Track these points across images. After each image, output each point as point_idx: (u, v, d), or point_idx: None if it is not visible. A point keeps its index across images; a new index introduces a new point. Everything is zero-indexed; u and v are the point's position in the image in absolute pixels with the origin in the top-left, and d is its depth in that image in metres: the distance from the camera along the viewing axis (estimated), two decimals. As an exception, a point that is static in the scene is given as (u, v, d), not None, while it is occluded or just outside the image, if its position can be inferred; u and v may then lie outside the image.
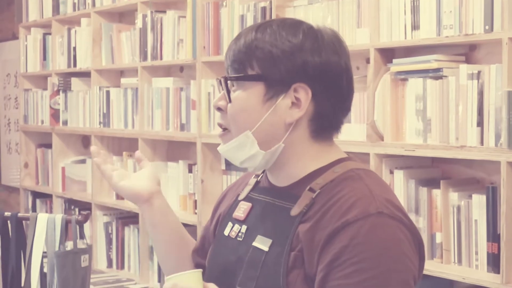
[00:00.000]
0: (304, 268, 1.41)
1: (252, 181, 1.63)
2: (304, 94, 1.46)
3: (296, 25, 1.51)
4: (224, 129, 1.53)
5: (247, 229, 1.53)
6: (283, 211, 1.48)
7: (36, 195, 5.59)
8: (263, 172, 1.62)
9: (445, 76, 2.72)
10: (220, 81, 1.52)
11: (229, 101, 1.49)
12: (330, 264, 1.36)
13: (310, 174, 1.49)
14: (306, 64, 1.46)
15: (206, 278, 1.53)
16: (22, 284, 2.84)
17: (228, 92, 1.49)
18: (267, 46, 1.46)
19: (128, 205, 4.45)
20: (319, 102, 1.47)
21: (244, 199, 1.60)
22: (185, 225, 4.02)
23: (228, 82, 1.50)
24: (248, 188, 1.62)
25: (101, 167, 1.76)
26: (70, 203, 5.14)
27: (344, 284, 1.35)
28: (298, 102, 1.46)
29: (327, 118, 1.50)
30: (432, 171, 2.97)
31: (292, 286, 1.40)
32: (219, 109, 1.52)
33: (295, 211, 1.45)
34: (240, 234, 1.54)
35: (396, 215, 1.39)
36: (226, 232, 1.59)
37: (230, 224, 1.59)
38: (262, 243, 1.47)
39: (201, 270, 1.49)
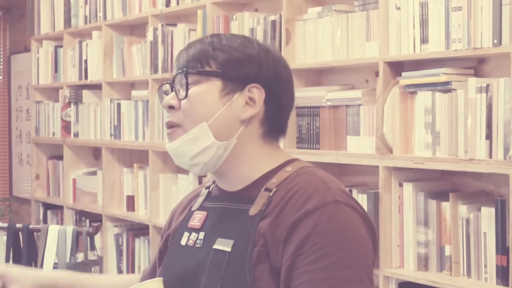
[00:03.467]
0: (269, 261, 1.45)
1: (204, 192, 1.68)
2: (258, 93, 1.55)
3: (248, 38, 1.62)
4: (172, 127, 1.58)
5: (205, 236, 1.57)
6: (241, 213, 1.53)
7: (47, 206, 5.62)
8: (213, 182, 1.67)
9: (454, 90, 2.73)
10: (172, 81, 1.58)
11: (184, 97, 1.55)
12: (295, 252, 1.42)
13: (262, 176, 1.56)
14: (263, 71, 1.56)
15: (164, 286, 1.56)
16: (33, 295, 2.86)
17: (187, 85, 1.54)
18: (226, 48, 1.56)
19: (138, 217, 4.48)
20: (269, 106, 1.57)
21: (198, 209, 1.64)
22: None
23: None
24: (201, 199, 1.66)
25: None
26: (81, 215, 5.16)
27: (310, 270, 1.40)
28: (251, 102, 1.55)
29: (276, 121, 1.59)
30: (441, 184, 2.98)
31: (259, 280, 1.44)
32: (170, 107, 1.57)
33: (253, 210, 1.51)
34: (198, 241, 1.57)
35: (350, 203, 1.48)
36: (183, 242, 1.61)
37: (186, 234, 1.62)
38: (223, 245, 1.51)
39: (161, 278, 1.53)
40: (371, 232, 1.51)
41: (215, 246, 1.52)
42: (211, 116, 1.53)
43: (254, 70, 1.55)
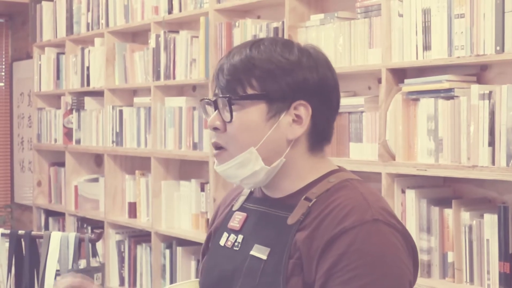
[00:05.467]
0: (303, 275, 1.43)
1: (246, 191, 1.65)
2: (304, 111, 1.49)
3: (288, 43, 1.54)
4: (219, 148, 1.53)
5: (243, 239, 1.55)
6: (279, 220, 1.50)
7: (49, 213, 5.62)
8: None
9: (457, 96, 2.73)
10: (214, 101, 1.52)
11: (229, 120, 1.49)
12: (329, 271, 1.39)
13: (305, 186, 1.52)
14: (306, 80, 1.49)
15: (201, 287, 1.55)
16: (36, 302, 2.86)
17: (231, 111, 1.48)
18: (266, 64, 1.48)
19: (140, 224, 4.47)
20: (316, 117, 1.51)
21: (238, 210, 1.62)
22: (197, 243, 4.04)
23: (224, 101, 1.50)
24: (242, 199, 1.64)
25: None
26: (83, 222, 5.16)
27: None
28: (298, 119, 1.50)
29: (323, 132, 1.54)
30: (444, 191, 2.98)
31: None
32: (215, 129, 1.52)
33: (291, 220, 1.48)
34: (236, 243, 1.56)
35: (390, 222, 1.43)
36: (222, 242, 1.60)
37: (225, 234, 1.60)
38: (260, 252, 1.49)
39: (197, 280, 1.52)
40: (412, 252, 1.47)
41: (252, 252, 1.50)
42: (259, 141, 1.49)
43: (297, 83, 1.48)
